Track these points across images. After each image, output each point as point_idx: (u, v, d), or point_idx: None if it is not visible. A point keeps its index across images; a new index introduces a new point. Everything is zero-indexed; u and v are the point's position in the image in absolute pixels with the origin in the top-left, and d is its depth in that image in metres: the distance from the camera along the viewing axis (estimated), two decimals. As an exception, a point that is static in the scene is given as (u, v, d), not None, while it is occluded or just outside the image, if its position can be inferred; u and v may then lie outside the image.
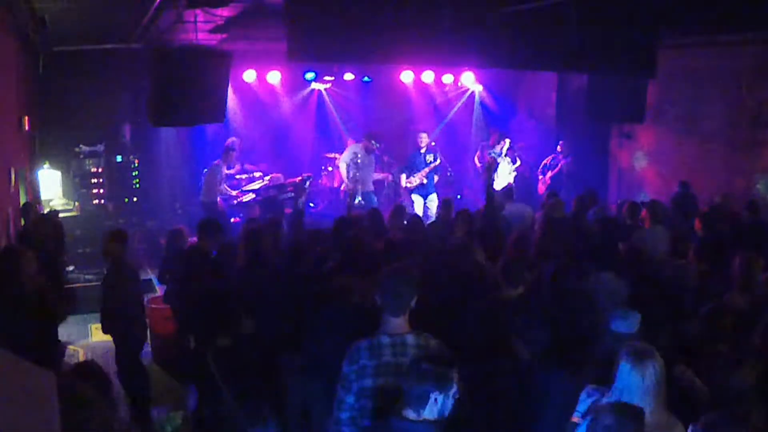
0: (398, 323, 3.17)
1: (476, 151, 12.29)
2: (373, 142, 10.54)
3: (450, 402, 2.72)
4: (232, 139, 10.76)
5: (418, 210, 10.41)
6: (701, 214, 7.13)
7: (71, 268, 8.81)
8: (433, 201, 10.46)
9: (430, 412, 2.68)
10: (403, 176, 10.82)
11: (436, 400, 2.68)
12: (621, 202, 8.55)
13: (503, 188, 8.78)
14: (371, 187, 10.83)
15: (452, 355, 2.95)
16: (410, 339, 3.15)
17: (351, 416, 3.12)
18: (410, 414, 2.69)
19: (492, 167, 7.83)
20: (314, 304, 4.60)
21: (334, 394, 3.23)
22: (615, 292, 4.86)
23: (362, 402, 3.10)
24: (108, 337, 5.79)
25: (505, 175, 11.16)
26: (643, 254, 5.67)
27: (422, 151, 10.75)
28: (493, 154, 11.33)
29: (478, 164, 12.01)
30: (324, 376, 4.33)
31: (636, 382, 2.94)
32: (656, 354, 3.00)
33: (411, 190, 10.81)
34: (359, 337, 3.21)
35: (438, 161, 10.75)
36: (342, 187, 11.26)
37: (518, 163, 11.32)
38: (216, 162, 10.09)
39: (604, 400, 3.04)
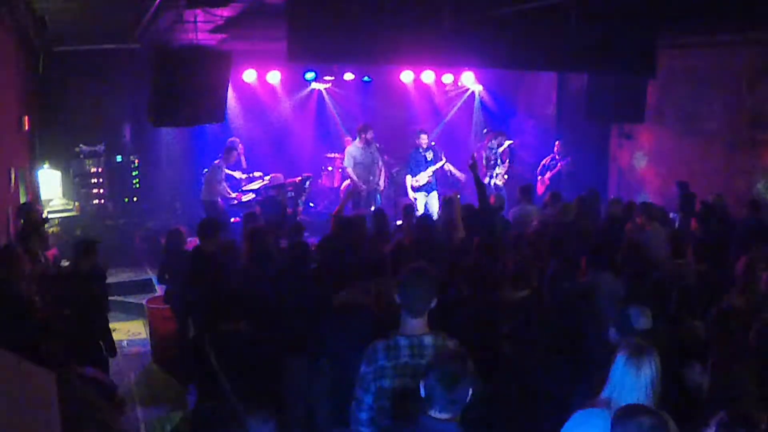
0: (416, 324, 3.13)
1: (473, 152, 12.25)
2: (367, 131, 10.40)
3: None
4: (232, 139, 10.76)
5: (421, 207, 10.36)
6: (696, 213, 7.13)
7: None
8: (434, 198, 10.42)
9: (455, 411, 2.66)
10: (409, 177, 10.70)
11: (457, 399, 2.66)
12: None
13: (521, 187, 8.69)
14: (376, 185, 10.64)
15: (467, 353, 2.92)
16: (428, 340, 3.12)
17: (370, 417, 3.11)
18: (437, 413, 2.66)
19: (476, 167, 7.79)
20: (320, 306, 4.59)
21: (338, 396, 3.22)
22: (615, 292, 4.85)
23: (381, 402, 3.09)
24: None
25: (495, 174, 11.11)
26: (642, 252, 5.66)
27: (421, 150, 10.74)
28: (492, 150, 11.28)
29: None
30: (330, 377, 4.34)
31: (630, 379, 2.91)
32: (654, 352, 2.97)
33: (415, 189, 10.79)
34: (373, 338, 3.19)
35: (443, 160, 10.70)
36: (342, 188, 11.22)
37: (507, 163, 11.19)
38: (216, 161, 10.09)
39: (601, 396, 3.02)
